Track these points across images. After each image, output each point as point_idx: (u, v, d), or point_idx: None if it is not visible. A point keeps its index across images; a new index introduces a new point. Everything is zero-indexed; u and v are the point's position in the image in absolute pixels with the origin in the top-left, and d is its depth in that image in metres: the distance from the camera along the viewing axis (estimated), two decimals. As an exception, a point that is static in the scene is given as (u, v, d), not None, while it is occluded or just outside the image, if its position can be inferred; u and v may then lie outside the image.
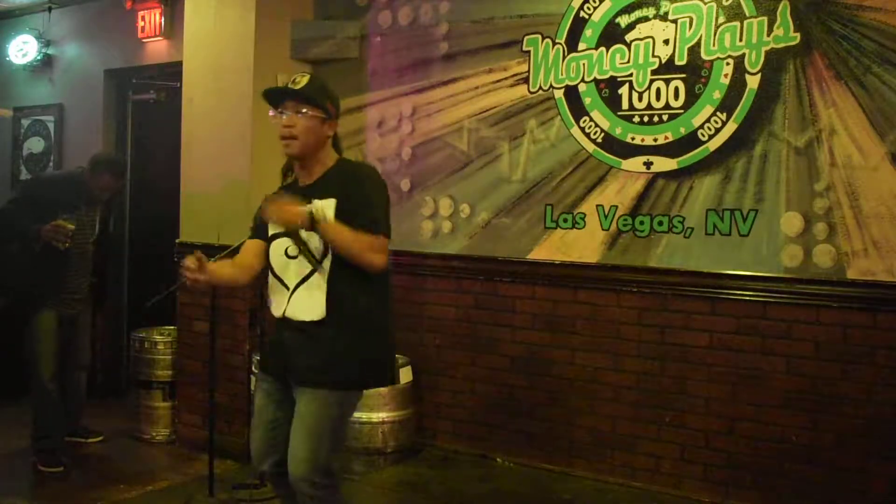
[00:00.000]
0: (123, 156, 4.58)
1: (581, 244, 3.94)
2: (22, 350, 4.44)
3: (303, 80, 2.67)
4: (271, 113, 2.72)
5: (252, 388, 4.17)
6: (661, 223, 3.74)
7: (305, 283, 2.62)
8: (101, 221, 4.47)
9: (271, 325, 2.87)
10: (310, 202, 2.58)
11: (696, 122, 3.65)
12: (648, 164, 3.76)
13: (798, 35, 3.42)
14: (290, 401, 2.67)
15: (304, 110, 2.64)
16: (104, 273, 4.63)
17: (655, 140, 3.74)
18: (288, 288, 2.64)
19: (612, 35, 3.84)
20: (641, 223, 3.78)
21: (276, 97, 2.71)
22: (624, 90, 3.81)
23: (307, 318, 2.61)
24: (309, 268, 2.60)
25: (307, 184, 2.73)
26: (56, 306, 4.29)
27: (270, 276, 2.72)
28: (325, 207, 2.56)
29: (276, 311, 2.69)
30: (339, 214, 2.55)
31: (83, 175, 4.36)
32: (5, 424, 4.86)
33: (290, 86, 2.67)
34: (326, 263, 2.58)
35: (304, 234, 2.57)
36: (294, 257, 2.62)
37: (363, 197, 2.60)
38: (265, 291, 4.06)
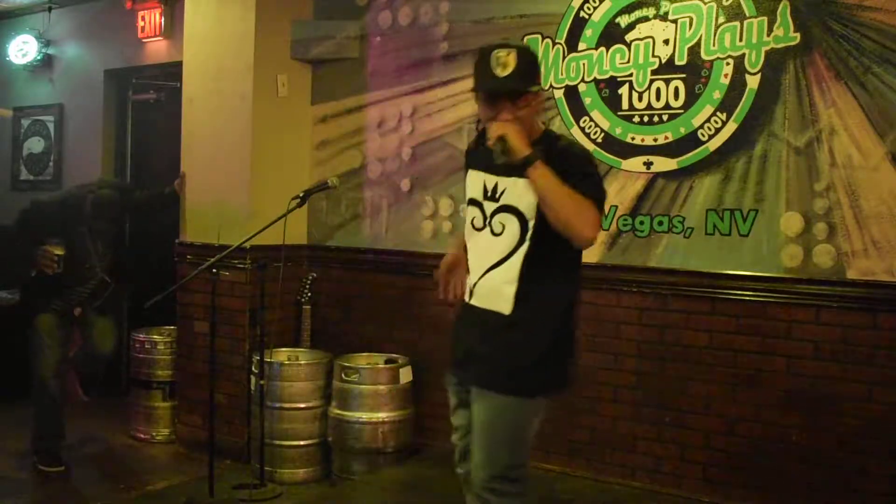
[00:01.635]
0: (116, 187, 4.65)
1: (581, 244, 3.93)
2: (22, 351, 4.45)
3: (510, 61, 2.31)
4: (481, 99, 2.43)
5: (252, 387, 4.17)
6: (661, 223, 3.74)
7: (501, 266, 2.37)
8: (111, 226, 4.49)
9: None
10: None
11: (696, 122, 3.65)
12: (648, 164, 3.76)
13: (798, 35, 3.42)
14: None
15: (516, 100, 2.34)
16: (118, 276, 4.63)
17: (655, 140, 3.74)
18: (478, 269, 2.43)
19: (612, 35, 3.83)
20: (641, 223, 3.78)
21: (488, 90, 2.40)
22: (624, 90, 3.81)
23: (492, 308, 2.39)
24: (509, 247, 2.35)
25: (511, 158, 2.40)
26: (56, 308, 4.30)
27: (468, 249, 2.51)
28: (516, 188, 2.33)
29: (466, 295, 2.49)
30: None
31: (85, 196, 4.38)
32: (5, 424, 4.86)
33: (497, 72, 2.33)
34: (524, 245, 2.33)
35: (516, 193, 2.33)
36: (495, 232, 2.38)
37: (579, 167, 2.32)
38: (265, 291, 4.07)
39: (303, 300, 4.56)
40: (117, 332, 4.69)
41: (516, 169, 2.29)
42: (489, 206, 2.41)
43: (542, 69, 2.47)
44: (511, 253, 2.36)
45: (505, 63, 2.32)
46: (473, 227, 2.45)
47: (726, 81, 3.57)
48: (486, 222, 2.42)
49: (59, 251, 4.20)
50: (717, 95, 3.59)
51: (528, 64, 2.38)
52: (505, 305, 2.37)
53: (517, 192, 2.34)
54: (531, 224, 2.33)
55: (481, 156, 2.45)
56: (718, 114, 3.60)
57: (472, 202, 2.47)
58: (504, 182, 2.38)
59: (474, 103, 4.19)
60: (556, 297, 2.40)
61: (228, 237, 4.31)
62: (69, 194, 4.54)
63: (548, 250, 2.33)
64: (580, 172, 2.30)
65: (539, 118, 2.47)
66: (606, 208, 3.85)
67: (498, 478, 2.41)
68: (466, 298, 2.50)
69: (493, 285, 2.40)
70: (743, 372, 3.55)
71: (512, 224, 2.36)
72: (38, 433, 4.29)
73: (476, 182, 2.47)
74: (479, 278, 2.43)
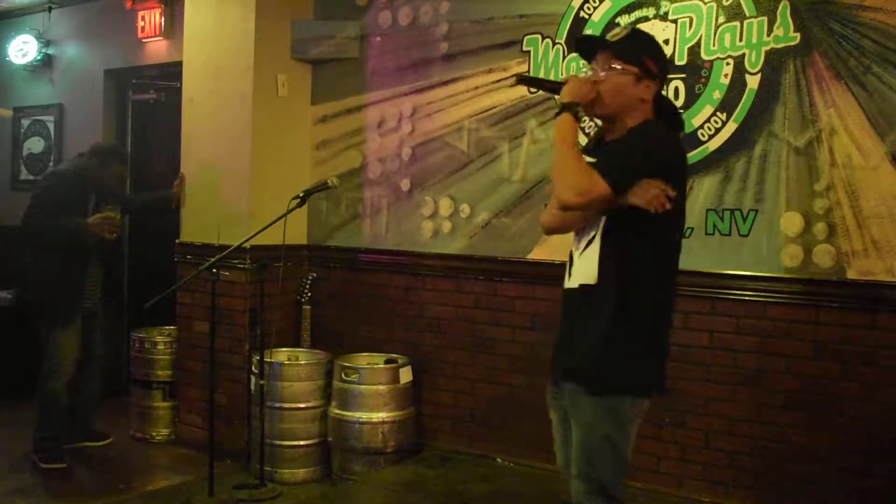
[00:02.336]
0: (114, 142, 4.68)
1: (581, 244, 3.93)
2: (23, 351, 4.45)
3: (622, 32, 2.33)
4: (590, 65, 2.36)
5: (252, 387, 4.17)
6: (661, 223, 3.74)
7: (587, 251, 2.28)
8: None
9: None
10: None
11: (696, 122, 3.65)
12: (648, 164, 3.76)
13: (798, 35, 3.42)
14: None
15: (615, 65, 2.28)
16: (110, 267, 4.65)
17: (655, 140, 3.74)
18: (575, 253, 2.35)
19: (612, 35, 3.83)
20: (641, 223, 3.77)
21: (588, 48, 2.37)
22: (624, 90, 3.81)
23: (576, 284, 2.28)
24: (591, 232, 2.26)
25: (607, 140, 2.37)
26: (82, 308, 4.32)
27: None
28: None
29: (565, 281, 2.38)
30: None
31: (87, 168, 4.37)
32: (6, 424, 4.86)
33: (608, 37, 2.32)
34: (601, 226, 2.24)
35: None
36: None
37: (623, 140, 2.25)
38: (265, 291, 4.08)
39: (303, 300, 4.56)
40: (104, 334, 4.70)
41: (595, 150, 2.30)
42: None
43: (655, 61, 2.32)
44: (594, 236, 2.27)
45: (617, 33, 2.34)
46: None
47: (726, 81, 3.57)
48: None
49: (116, 215, 4.18)
50: (717, 95, 3.59)
51: (634, 39, 2.35)
52: (588, 278, 2.26)
53: None
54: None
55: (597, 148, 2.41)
56: (718, 114, 3.60)
57: None
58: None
59: (474, 103, 4.25)
60: (631, 287, 2.23)
61: (228, 237, 4.31)
62: (77, 166, 4.46)
63: (624, 235, 2.22)
64: (619, 144, 2.25)
65: (644, 107, 2.31)
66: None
67: (594, 492, 2.27)
68: (564, 283, 2.40)
69: (579, 264, 2.33)
70: (743, 372, 3.55)
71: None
72: (42, 432, 4.29)
73: None
74: (571, 260, 2.37)
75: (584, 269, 2.29)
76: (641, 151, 2.23)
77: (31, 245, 4.29)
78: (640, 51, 2.32)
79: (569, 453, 2.34)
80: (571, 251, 2.40)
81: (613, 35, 2.34)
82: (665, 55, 2.43)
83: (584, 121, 2.44)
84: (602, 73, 2.31)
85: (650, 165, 2.20)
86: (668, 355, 2.36)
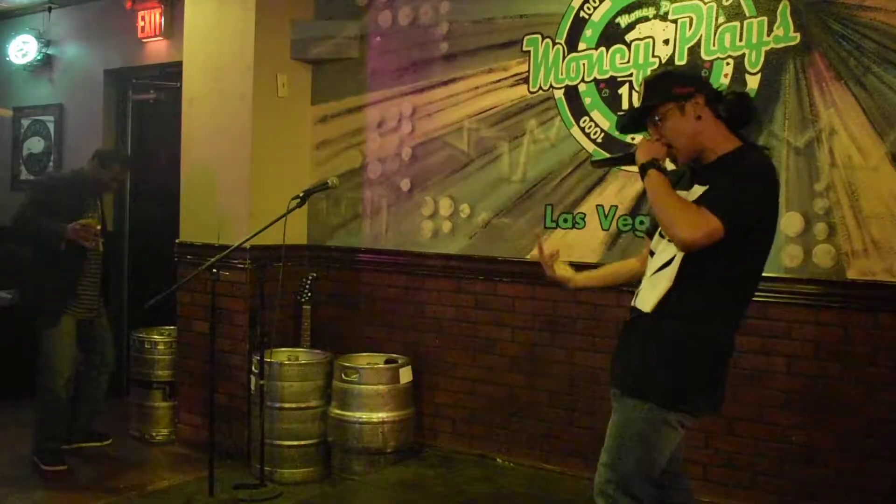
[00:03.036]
0: (112, 144, 4.67)
1: (581, 244, 3.94)
2: (22, 351, 4.45)
3: (642, 90, 2.45)
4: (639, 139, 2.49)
5: (252, 387, 4.17)
6: (661, 223, 3.74)
7: (659, 272, 2.39)
8: (101, 220, 4.48)
9: None
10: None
11: (696, 122, 3.64)
12: (648, 164, 3.76)
13: (798, 35, 3.42)
14: None
15: (657, 117, 2.40)
16: (108, 272, 4.64)
17: (655, 140, 3.74)
18: (647, 273, 2.47)
19: (612, 35, 3.84)
20: (641, 223, 3.78)
21: (637, 120, 2.49)
22: (624, 90, 3.81)
23: (638, 306, 2.44)
24: (669, 255, 2.35)
25: (680, 167, 2.49)
26: (74, 311, 4.30)
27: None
28: (694, 193, 2.33)
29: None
30: (700, 200, 2.29)
31: (88, 172, 4.37)
32: (6, 424, 4.86)
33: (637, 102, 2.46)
34: (678, 255, 2.33)
35: None
36: (667, 239, 2.36)
37: (727, 181, 2.28)
38: (265, 291, 4.08)
39: (303, 300, 4.56)
40: (114, 342, 4.69)
41: (687, 183, 2.39)
42: None
43: (681, 81, 2.43)
44: (669, 261, 2.37)
45: (641, 92, 2.46)
46: (661, 236, 2.46)
47: (726, 81, 3.57)
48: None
49: (97, 224, 4.15)
50: (717, 95, 3.59)
51: (649, 83, 2.45)
52: (647, 304, 2.40)
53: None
54: None
55: (674, 174, 2.50)
56: (718, 114, 3.59)
57: None
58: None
59: (474, 103, 4.25)
60: (701, 310, 2.35)
61: (228, 237, 4.31)
62: (76, 171, 4.46)
63: (702, 262, 2.30)
64: (722, 182, 2.28)
65: (708, 123, 2.37)
66: (606, 208, 3.86)
67: (617, 485, 2.37)
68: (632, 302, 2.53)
69: (648, 288, 2.44)
70: (743, 372, 3.55)
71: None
72: (43, 433, 4.29)
73: None
74: (645, 281, 2.48)
75: (650, 289, 2.41)
76: (750, 186, 2.28)
77: (17, 243, 4.33)
78: (664, 87, 2.40)
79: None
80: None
81: (644, 99, 2.42)
82: (688, 67, 2.52)
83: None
84: (654, 130, 2.41)
85: (759, 206, 2.29)
86: (717, 379, 2.44)
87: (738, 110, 2.40)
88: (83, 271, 4.30)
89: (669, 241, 2.34)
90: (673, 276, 2.35)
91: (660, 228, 2.44)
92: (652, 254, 2.50)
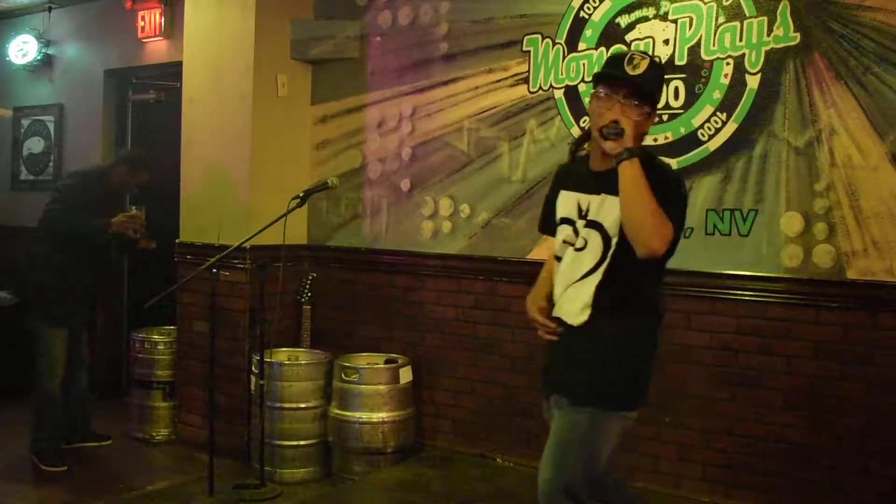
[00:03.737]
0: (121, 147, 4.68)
1: (581, 244, 3.93)
2: (21, 351, 4.45)
3: (643, 64, 2.31)
4: (601, 94, 2.35)
5: (252, 387, 4.17)
6: (661, 223, 3.74)
7: (582, 280, 2.39)
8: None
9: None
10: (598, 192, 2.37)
11: (696, 122, 3.65)
12: (648, 164, 3.76)
13: (798, 35, 3.42)
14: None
15: (636, 102, 2.32)
16: (109, 273, 4.65)
17: (655, 140, 3.74)
18: (563, 283, 2.45)
19: (612, 35, 3.83)
20: (641, 223, 3.77)
21: (609, 76, 2.37)
22: (624, 90, 3.81)
23: (570, 321, 2.42)
24: (591, 263, 2.37)
25: (600, 170, 2.41)
26: (73, 318, 4.32)
27: (555, 263, 2.52)
28: (614, 204, 2.32)
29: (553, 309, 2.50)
30: None
31: (112, 175, 4.40)
32: (5, 424, 4.86)
33: (628, 69, 2.31)
34: (605, 262, 2.36)
35: (603, 209, 2.36)
36: (577, 248, 2.41)
37: (666, 189, 2.29)
38: (265, 291, 4.07)
39: (303, 300, 4.56)
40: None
41: (605, 186, 2.33)
42: (580, 224, 2.44)
43: (658, 96, 2.46)
44: (593, 269, 2.38)
45: (637, 65, 2.32)
46: (566, 242, 2.47)
47: (726, 81, 3.57)
48: (576, 239, 2.45)
49: (142, 215, 4.20)
50: (717, 95, 3.59)
51: (657, 75, 2.44)
52: (576, 318, 2.41)
53: (604, 208, 2.37)
54: (613, 241, 2.35)
55: (577, 177, 2.50)
56: (718, 114, 3.60)
57: (566, 221, 2.49)
58: (594, 200, 2.41)
59: (474, 103, 4.25)
60: (634, 310, 2.41)
61: (228, 237, 4.31)
62: (101, 171, 4.48)
63: (628, 269, 2.34)
64: (667, 194, 2.28)
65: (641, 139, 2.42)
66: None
67: (561, 491, 2.41)
68: (554, 312, 2.52)
69: (572, 299, 2.43)
70: (743, 372, 3.55)
71: (594, 240, 2.39)
72: (41, 433, 4.29)
73: (570, 202, 2.49)
74: (563, 291, 2.46)
75: (580, 301, 2.40)
76: (682, 205, 2.38)
77: (47, 242, 4.27)
78: (658, 87, 2.42)
79: None
80: (558, 281, 2.49)
81: (636, 65, 2.32)
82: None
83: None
84: (632, 111, 2.32)
85: (684, 210, 2.40)
86: (646, 381, 2.52)
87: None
88: (88, 274, 4.32)
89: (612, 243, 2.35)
90: (598, 283, 2.36)
91: (564, 237, 2.46)
92: (558, 259, 2.49)
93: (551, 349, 2.52)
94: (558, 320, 2.48)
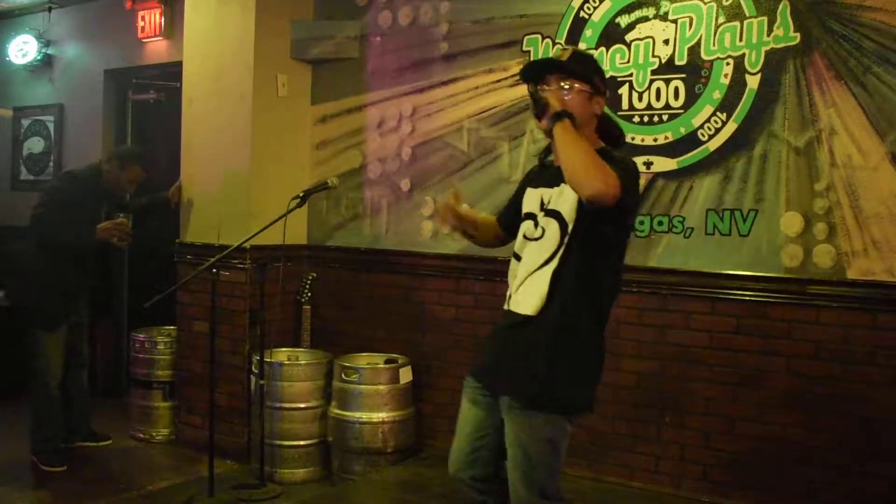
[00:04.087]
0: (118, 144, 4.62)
1: (581, 244, 3.93)
2: (20, 351, 4.45)
3: (567, 52, 2.46)
4: (531, 90, 2.44)
5: (252, 387, 4.17)
6: (661, 223, 3.74)
7: (541, 269, 2.37)
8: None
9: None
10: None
11: (696, 122, 3.65)
12: (648, 164, 3.76)
13: (798, 35, 3.42)
14: (498, 410, 2.43)
15: (569, 84, 2.39)
16: (110, 275, 4.64)
17: (655, 140, 3.74)
18: (521, 275, 2.43)
19: (611, 35, 3.83)
20: (641, 223, 3.77)
21: (537, 71, 2.46)
22: (624, 90, 3.81)
23: (524, 311, 2.38)
24: (549, 250, 2.36)
25: (557, 166, 2.40)
26: (71, 318, 4.32)
27: (511, 263, 2.51)
28: (570, 192, 2.33)
29: (505, 302, 2.49)
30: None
31: (105, 173, 4.37)
32: (5, 424, 4.86)
33: (555, 57, 2.45)
34: (561, 249, 2.35)
35: (560, 198, 2.37)
36: (536, 237, 2.41)
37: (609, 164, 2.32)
38: (265, 291, 4.07)
39: (303, 300, 4.56)
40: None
41: (563, 177, 2.31)
42: (540, 216, 2.45)
43: (602, 80, 2.49)
44: (550, 257, 2.37)
45: (562, 53, 2.49)
46: (526, 237, 2.47)
47: (726, 81, 3.57)
48: (535, 231, 2.45)
49: (129, 223, 4.15)
50: (717, 95, 3.59)
51: (584, 57, 2.54)
52: (532, 308, 2.37)
53: (562, 197, 2.38)
54: (570, 227, 2.35)
55: (542, 176, 2.53)
56: (718, 114, 3.60)
57: (529, 216, 2.50)
58: (554, 192, 2.42)
59: (474, 103, 4.25)
60: (587, 309, 2.38)
61: (228, 237, 4.31)
62: (93, 170, 4.42)
63: (588, 254, 2.35)
64: (612, 164, 2.28)
65: (606, 132, 2.51)
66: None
67: (534, 498, 2.39)
68: (505, 305, 2.51)
69: (529, 289, 2.40)
70: (743, 372, 3.55)
71: (552, 227, 2.39)
72: (40, 434, 4.29)
73: (534, 197, 2.50)
74: (521, 284, 2.44)
75: (532, 290, 2.38)
76: (631, 175, 2.36)
77: (34, 245, 4.25)
78: (590, 70, 2.45)
79: (482, 448, 2.50)
80: (515, 273, 2.48)
81: (560, 55, 2.46)
82: (605, 73, 2.56)
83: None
84: (556, 85, 2.40)
85: (637, 192, 2.49)
86: (597, 375, 2.51)
87: (614, 140, 2.52)
88: (83, 276, 4.31)
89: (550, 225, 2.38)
90: (555, 269, 2.35)
91: (524, 231, 2.47)
92: (518, 257, 2.48)
93: (497, 341, 2.50)
94: (509, 314, 2.46)
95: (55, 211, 4.18)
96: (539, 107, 2.36)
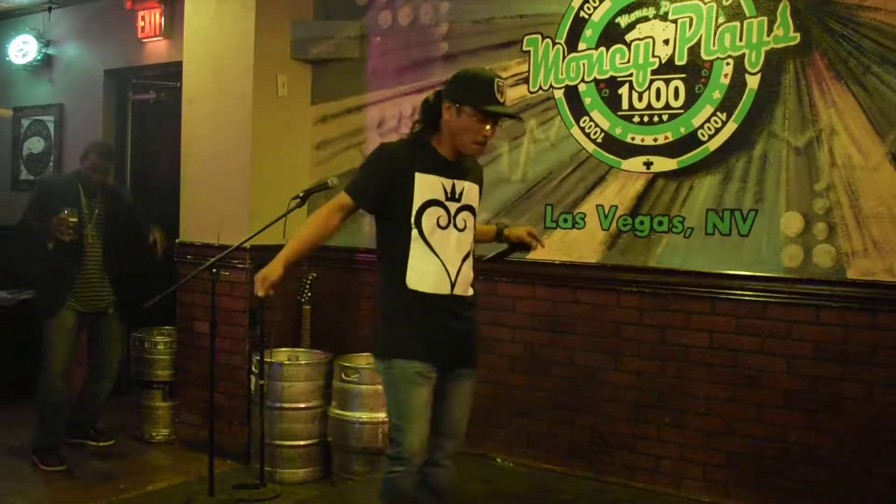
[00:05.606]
0: (108, 142, 4.67)
1: (581, 244, 3.94)
2: (22, 351, 4.46)
3: (507, 92, 2.77)
4: (488, 127, 2.71)
5: (252, 387, 4.17)
6: (661, 223, 3.74)
7: (468, 258, 2.78)
8: (116, 217, 4.47)
9: (407, 304, 2.72)
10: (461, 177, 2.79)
11: (696, 122, 3.65)
12: (648, 164, 3.76)
13: (798, 35, 3.42)
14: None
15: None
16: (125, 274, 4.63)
17: (655, 140, 3.74)
18: (454, 262, 2.74)
19: (612, 35, 3.84)
20: (641, 223, 3.78)
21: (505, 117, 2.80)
22: (624, 90, 3.81)
23: (467, 294, 2.79)
24: (470, 242, 2.79)
25: (453, 161, 2.77)
26: (73, 304, 4.31)
27: (419, 250, 2.70)
28: (476, 191, 2.84)
29: (438, 288, 2.71)
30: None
31: (80, 170, 4.42)
32: (5, 424, 4.86)
33: (502, 101, 2.70)
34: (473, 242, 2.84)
35: (472, 194, 2.81)
36: (460, 228, 2.75)
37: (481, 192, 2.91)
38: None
39: (303, 300, 4.56)
40: (125, 345, 4.70)
41: (465, 174, 2.79)
42: (452, 206, 2.74)
43: (462, 87, 2.71)
44: (471, 247, 2.80)
45: (505, 94, 2.76)
46: (440, 226, 2.71)
47: (726, 81, 3.57)
48: (451, 220, 2.73)
49: (73, 218, 4.20)
50: (717, 95, 3.59)
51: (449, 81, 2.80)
52: (471, 290, 2.82)
53: (473, 193, 2.81)
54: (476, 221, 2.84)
55: (429, 162, 2.73)
56: (718, 114, 3.60)
57: (434, 203, 2.70)
58: (462, 184, 2.77)
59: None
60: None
61: (228, 237, 4.31)
62: (73, 172, 4.54)
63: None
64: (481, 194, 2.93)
65: (457, 136, 2.72)
66: (606, 208, 3.87)
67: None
68: (446, 290, 2.72)
69: (466, 274, 2.78)
70: (743, 372, 3.55)
71: (471, 222, 2.79)
72: (41, 431, 4.30)
73: (433, 184, 2.71)
74: (458, 270, 2.74)
75: (469, 277, 2.80)
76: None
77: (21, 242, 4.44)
78: (450, 87, 2.73)
79: (444, 421, 2.82)
80: (439, 257, 2.72)
81: (504, 97, 2.74)
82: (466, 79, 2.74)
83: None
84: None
85: None
86: None
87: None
88: (82, 264, 4.32)
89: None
90: (472, 258, 2.81)
91: (437, 217, 2.70)
92: (425, 240, 2.69)
93: (451, 325, 2.74)
94: (459, 297, 2.74)
95: (32, 210, 4.35)
96: (483, 141, 2.72)
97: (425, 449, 2.72)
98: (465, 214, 2.76)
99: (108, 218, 4.44)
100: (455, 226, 2.73)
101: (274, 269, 2.68)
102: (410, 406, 2.69)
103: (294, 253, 2.72)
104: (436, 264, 2.70)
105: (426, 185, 2.69)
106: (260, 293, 2.68)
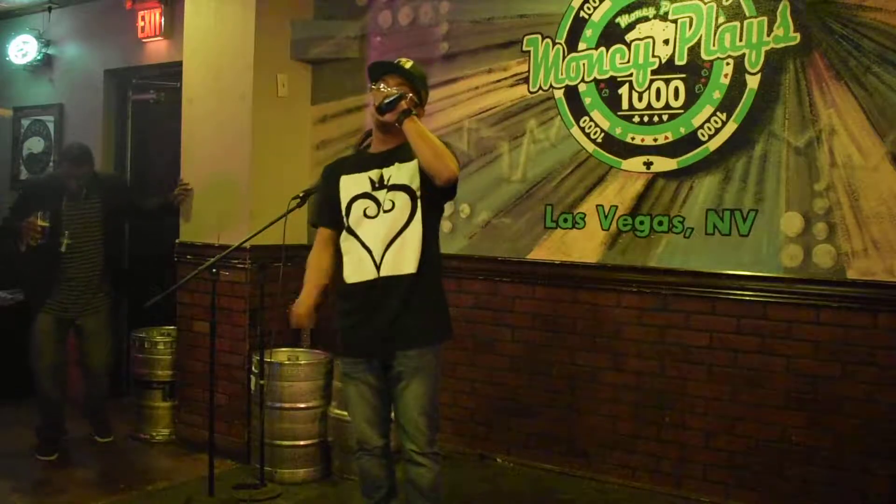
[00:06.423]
0: (83, 144, 4.66)
1: (581, 244, 3.94)
2: (21, 351, 4.48)
3: (408, 63, 2.94)
4: (371, 86, 2.90)
5: (252, 387, 4.17)
6: (661, 223, 3.74)
7: (401, 235, 2.81)
8: (105, 220, 4.47)
9: (340, 300, 2.98)
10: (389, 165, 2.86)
11: (696, 122, 3.65)
12: (648, 164, 3.77)
13: (798, 35, 3.42)
14: (384, 376, 2.87)
15: (403, 86, 2.85)
16: (116, 274, 4.66)
17: (655, 140, 3.74)
18: (378, 246, 2.82)
19: (612, 35, 3.84)
20: (641, 223, 3.78)
21: (381, 71, 2.92)
22: (624, 90, 3.81)
23: (404, 271, 2.79)
24: (403, 219, 2.80)
25: (383, 150, 2.91)
26: (50, 309, 4.35)
27: (348, 243, 2.89)
28: (407, 168, 2.84)
29: (361, 275, 2.83)
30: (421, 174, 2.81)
31: (73, 175, 4.44)
32: (6, 424, 4.86)
33: (397, 63, 2.90)
34: (417, 212, 2.81)
35: (402, 174, 2.83)
36: (385, 210, 2.82)
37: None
38: (265, 291, 4.07)
39: (303, 300, 4.55)
40: (111, 345, 4.70)
41: (395, 158, 2.85)
42: (380, 194, 2.86)
43: (426, 94, 3.08)
44: (407, 223, 2.81)
45: (404, 63, 2.97)
46: (367, 216, 2.85)
47: (726, 81, 3.57)
48: (380, 207, 2.85)
49: (42, 222, 4.24)
50: (717, 95, 3.59)
51: (420, 74, 3.04)
52: (412, 265, 2.80)
53: (401, 172, 2.84)
54: (419, 195, 2.82)
55: (354, 163, 2.96)
56: (718, 114, 3.60)
57: (361, 196, 2.88)
58: (389, 170, 2.86)
59: (474, 103, 4.25)
60: (438, 259, 2.97)
61: (228, 237, 4.31)
62: (57, 172, 4.66)
63: (432, 215, 2.88)
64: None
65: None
66: (606, 208, 3.87)
67: (434, 441, 2.88)
68: (371, 275, 2.83)
69: (401, 252, 2.81)
70: (743, 372, 3.55)
71: (401, 199, 2.82)
72: (39, 424, 4.38)
73: (358, 181, 2.90)
74: (384, 253, 2.82)
75: (403, 252, 2.81)
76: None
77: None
78: (421, 83, 2.95)
79: (379, 416, 2.93)
80: (364, 245, 2.85)
81: (403, 63, 2.92)
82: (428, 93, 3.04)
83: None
84: (405, 89, 2.84)
85: None
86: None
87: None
88: (58, 269, 4.33)
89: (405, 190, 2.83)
90: (421, 233, 2.81)
91: (364, 209, 2.85)
92: (355, 234, 2.85)
93: (374, 316, 2.83)
94: (387, 278, 2.80)
95: (14, 211, 4.43)
96: (388, 103, 2.75)
97: (378, 434, 2.94)
98: (393, 194, 2.83)
99: (105, 216, 4.45)
100: (384, 210, 2.83)
101: (300, 303, 2.96)
102: (348, 400, 3.00)
103: (308, 294, 2.99)
104: (360, 252, 2.84)
105: (349, 184, 2.91)
106: (294, 326, 2.98)
